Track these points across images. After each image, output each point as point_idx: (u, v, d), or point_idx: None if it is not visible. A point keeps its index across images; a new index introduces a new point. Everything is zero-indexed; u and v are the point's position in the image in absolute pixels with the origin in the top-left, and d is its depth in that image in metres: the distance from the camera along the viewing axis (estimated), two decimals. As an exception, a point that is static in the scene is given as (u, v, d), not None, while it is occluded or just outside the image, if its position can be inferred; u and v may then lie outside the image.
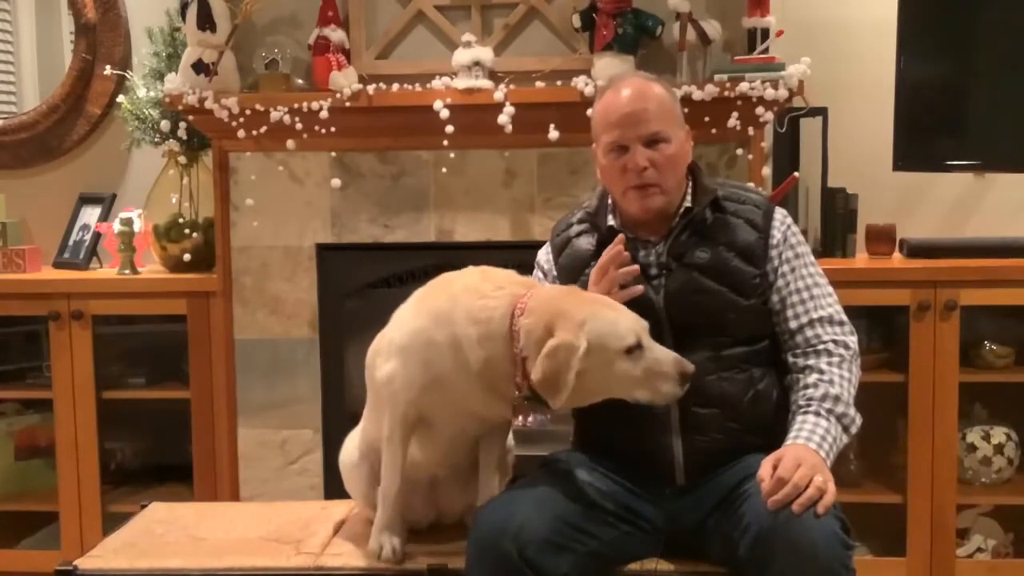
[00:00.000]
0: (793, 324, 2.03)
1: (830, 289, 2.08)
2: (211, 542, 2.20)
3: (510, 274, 1.99)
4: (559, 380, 1.79)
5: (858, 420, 1.96)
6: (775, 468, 1.79)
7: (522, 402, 1.92)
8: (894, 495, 3.01)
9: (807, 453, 1.83)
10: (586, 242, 2.14)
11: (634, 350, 1.83)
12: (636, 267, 1.98)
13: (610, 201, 2.13)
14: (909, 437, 2.94)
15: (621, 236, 1.99)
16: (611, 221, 2.10)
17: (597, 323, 1.83)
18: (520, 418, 3.21)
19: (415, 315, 1.99)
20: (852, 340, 2.03)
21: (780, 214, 2.10)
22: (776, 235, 2.06)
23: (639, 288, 1.98)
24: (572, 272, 2.12)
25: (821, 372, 1.97)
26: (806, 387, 1.97)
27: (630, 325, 1.85)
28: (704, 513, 1.96)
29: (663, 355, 1.86)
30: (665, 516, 2.00)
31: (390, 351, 2.00)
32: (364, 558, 2.05)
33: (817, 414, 1.92)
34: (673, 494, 2.00)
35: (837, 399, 1.94)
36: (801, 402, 1.95)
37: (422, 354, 1.94)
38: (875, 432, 3.01)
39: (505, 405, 1.95)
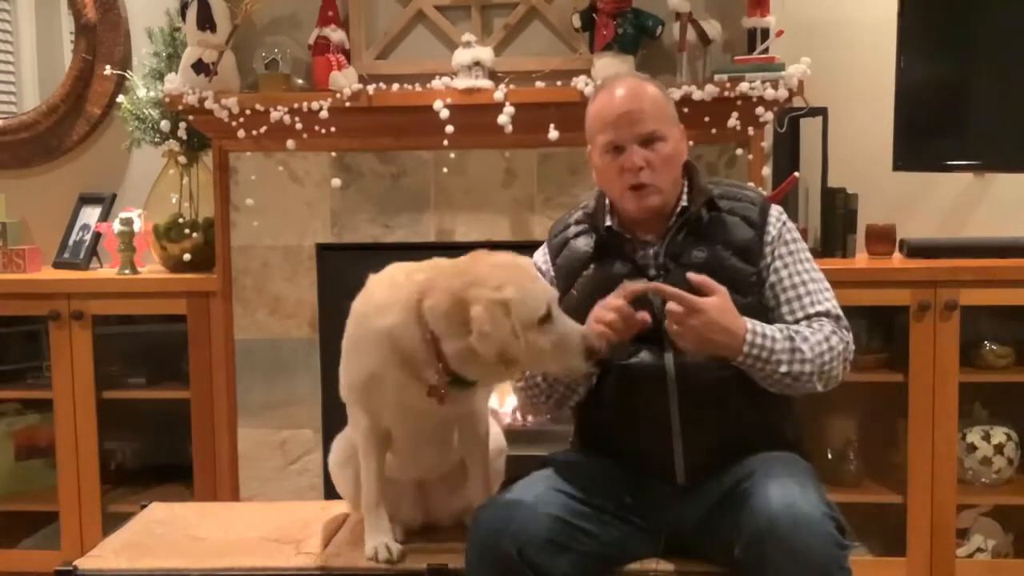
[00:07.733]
0: (789, 320, 2.01)
1: (827, 285, 2.07)
2: (211, 542, 2.20)
3: (436, 262, 1.94)
4: (510, 348, 1.75)
5: (802, 370, 1.91)
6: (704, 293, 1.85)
7: (444, 388, 1.85)
8: (894, 495, 3.01)
9: (736, 320, 1.86)
10: (584, 243, 2.13)
11: (544, 321, 1.82)
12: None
13: (608, 202, 2.13)
14: (909, 437, 2.94)
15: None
16: (609, 222, 2.10)
17: (513, 289, 1.77)
18: (520, 417, 3.23)
19: (348, 324, 2.02)
20: (848, 336, 2.02)
21: (776, 211, 2.10)
22: (771, 231, 2.06)
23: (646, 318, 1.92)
24: (570, 273, 2.11)
25: (810, 329, 1.96)
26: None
27: (542, 293, 1.82)
28: (704, 513, 1.95)
29: (571, 328, 1.84)
30: (665, 516, 1.99)
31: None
32: (364, 558, 2.05)
33: (780, 331, 1.92)
34: (673, 493, 2.00)
35: (805, 340, 1.92)
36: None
37: (352, 356, 1.98)
38: (875, 432, 3.03)
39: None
